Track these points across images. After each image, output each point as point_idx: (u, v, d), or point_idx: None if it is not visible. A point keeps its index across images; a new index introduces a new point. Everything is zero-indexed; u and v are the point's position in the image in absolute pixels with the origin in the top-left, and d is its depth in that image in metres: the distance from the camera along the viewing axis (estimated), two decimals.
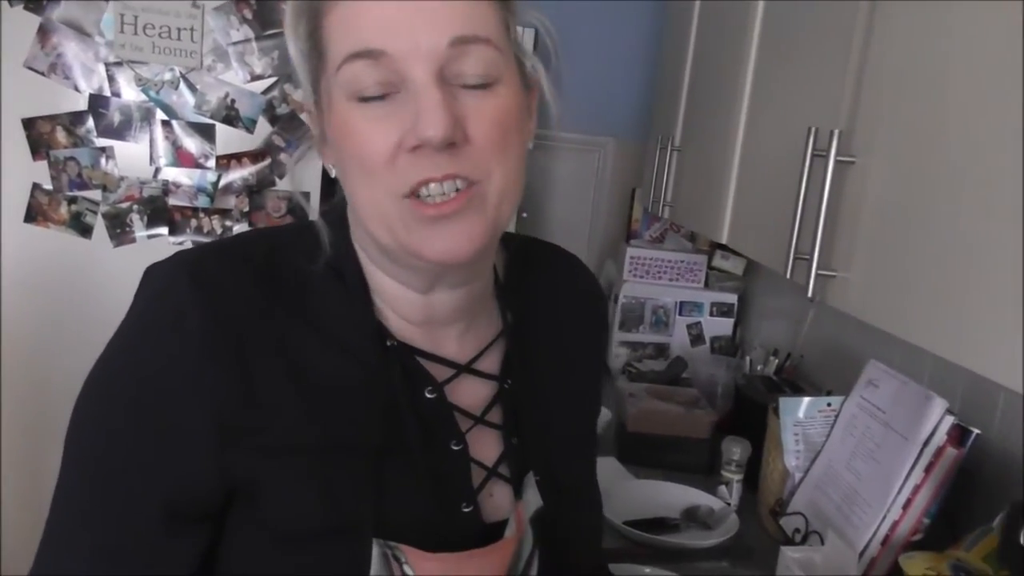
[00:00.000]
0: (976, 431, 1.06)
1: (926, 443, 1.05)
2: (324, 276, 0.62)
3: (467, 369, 0.65)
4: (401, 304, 0.64)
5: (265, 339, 0.58)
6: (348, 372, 0.60)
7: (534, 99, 0.63)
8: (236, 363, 0.56)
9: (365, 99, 0.55)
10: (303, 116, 0.64)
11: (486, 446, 0.64)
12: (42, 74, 1.64)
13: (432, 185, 0.55)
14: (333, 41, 0.56)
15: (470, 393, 0.65)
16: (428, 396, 0.62)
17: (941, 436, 1.05)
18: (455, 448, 0.62)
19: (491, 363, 0.67)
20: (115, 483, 0.57)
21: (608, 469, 1.47)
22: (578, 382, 0.74)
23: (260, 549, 0.58)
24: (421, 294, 0.63)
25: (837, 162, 0.84)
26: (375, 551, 0.57)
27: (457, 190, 0.55)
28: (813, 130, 0.89)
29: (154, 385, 0.56)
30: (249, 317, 0.58)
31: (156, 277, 0.59)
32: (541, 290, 0.64)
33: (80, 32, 1.64)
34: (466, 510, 0.61)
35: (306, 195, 1.56)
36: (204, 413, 0.55)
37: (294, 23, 0.59)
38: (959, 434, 1.06)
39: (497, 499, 0.64)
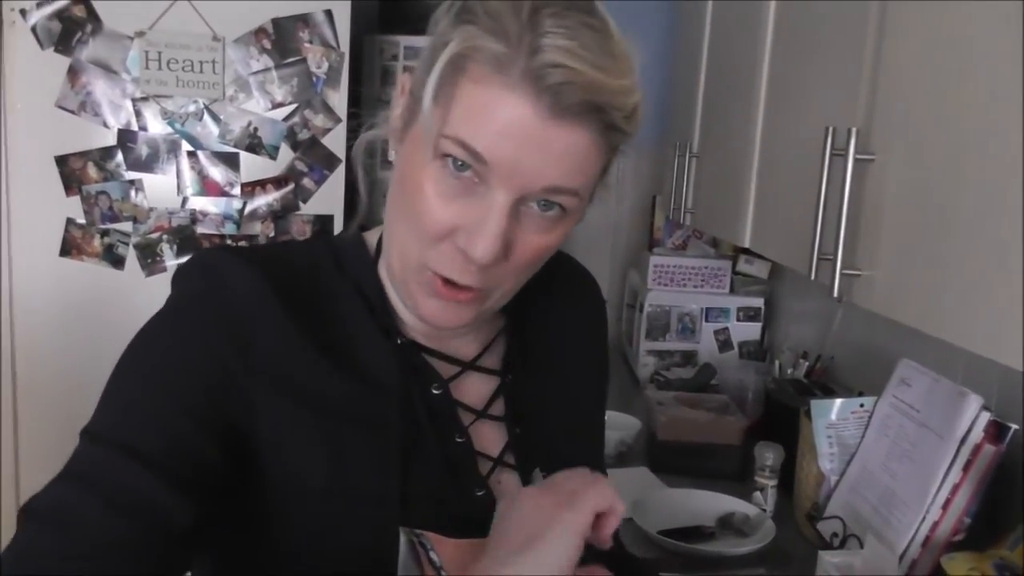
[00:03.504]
0: (1014, 426, 1.04)
1: (963, 441, 1.03)
2: (342, 279, 0.66)
3: (471, 366, 0.69)
4: (412, 318, 0.67)
5: (277, 321, 0.60)
6: (365, 365, 0.63)
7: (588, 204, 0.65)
8: (242, 342, 0.59)
9: (447, 162, 0.57)
10: (397, 91, 0.64)
11: (492, 437, 0.68)
12: (73, 112, 1.69)
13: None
14: (456, 106, 0.56)
15: (475, 388, 0.69)
16: (435, 392, 0.66)
17: (978, 433, 1.03)
18: (459, 440, 0.66)
19: (494, 359, 0.71)
20: (155, 382, 0.57)
21: (640, 479, 1.46)
22: (578, 374, 0.77)
23: (275, 512, 0.59)
24: None
25: (856, 160, 0.84)
26: (402, 539, 0.59)
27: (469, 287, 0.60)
28: (831, 129, 0.89)
29: (173, 349, 0.58)
30: (259, 305, 0.60)
31: (178, 272, 0.64)
32: (540, 288, 0.67)
33: (107, 70, 1.69)
34: (479, 494, 0.65)
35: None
36: (211, 379, 0.57)
37: (439, 43, 0.58)
38: (996, 430, 1.05)
39: (505, 486, 0.67)
